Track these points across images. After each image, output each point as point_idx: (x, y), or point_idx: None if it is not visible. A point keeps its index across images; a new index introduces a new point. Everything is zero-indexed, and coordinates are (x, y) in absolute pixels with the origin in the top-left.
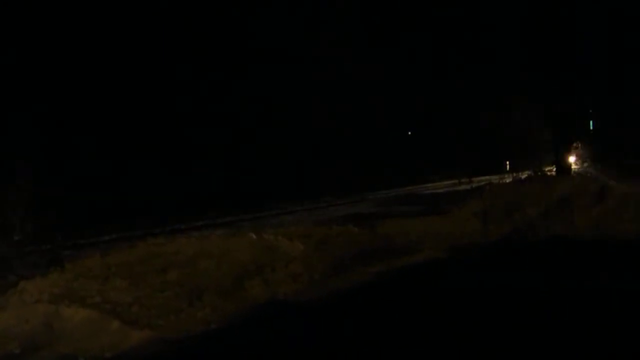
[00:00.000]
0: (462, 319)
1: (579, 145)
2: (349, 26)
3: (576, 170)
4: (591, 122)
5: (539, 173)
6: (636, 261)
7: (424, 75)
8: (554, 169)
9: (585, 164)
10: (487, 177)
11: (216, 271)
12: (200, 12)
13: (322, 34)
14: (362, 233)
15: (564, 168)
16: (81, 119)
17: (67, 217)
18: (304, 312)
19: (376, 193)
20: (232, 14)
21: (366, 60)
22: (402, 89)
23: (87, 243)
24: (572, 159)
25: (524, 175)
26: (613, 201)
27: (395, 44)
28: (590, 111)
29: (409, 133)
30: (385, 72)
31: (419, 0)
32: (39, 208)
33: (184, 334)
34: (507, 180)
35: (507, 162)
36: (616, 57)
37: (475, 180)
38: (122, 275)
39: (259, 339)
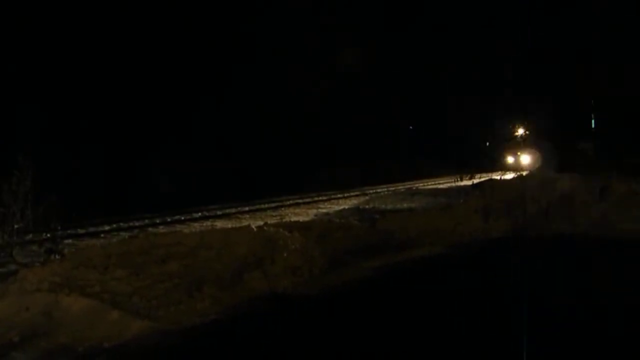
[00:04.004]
0: (459, 316)
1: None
2: (354, 22)
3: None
4: (592, 121)
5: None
6: (636, 260)
7: (424, 71)
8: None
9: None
10: (489, 174)
11: (216, 263)
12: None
13: (322, 32)
14: (362, 227)
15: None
16: (83, 111)
17: (67, 206)
18: (302, 306)
19: (376, 188)
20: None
21: (367, 56)
22: (404, 83)
23: (87, 232)
24: (524, 159)
25: (525, 172)
26: (615, 199)
27: (394, 42)
28: (592, 104)
29: (410, 127)
30: (384, 68)
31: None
32: (39, 197)
33: (184, 325)
34: (509, 177)
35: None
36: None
37: (476, 176)
38: (122, 266)
39: (257, 331)
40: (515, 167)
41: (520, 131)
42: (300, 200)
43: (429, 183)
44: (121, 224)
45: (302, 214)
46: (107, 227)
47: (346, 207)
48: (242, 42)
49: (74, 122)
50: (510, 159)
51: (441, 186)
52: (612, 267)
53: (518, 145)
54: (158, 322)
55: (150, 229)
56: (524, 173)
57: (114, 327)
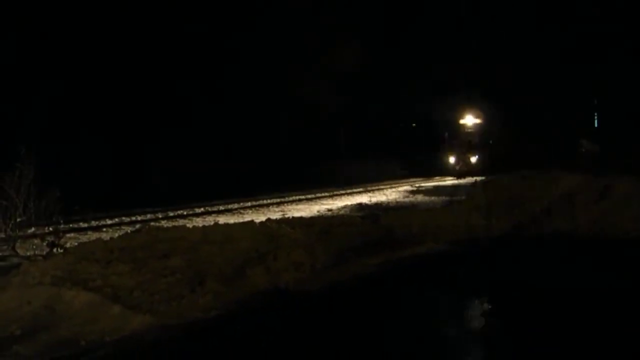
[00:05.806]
0: (458, 313)
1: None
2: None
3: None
4: (595, 120)
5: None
6: (636, 260)
7: (423, 71)
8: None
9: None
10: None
11: (218, 258)
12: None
13: (325, 28)
14: (365, 224)
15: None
16: (87, 106)
17: (70, 200)
18: (305, 302)
19: (379, 185)
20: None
21: (367, 56)
22: (404, 82)
23: (90, 227)
24: (473, 159)
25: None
26: (617, 198)
27: (392, 42)
28: (595, 102)
29: (413, 125)
30: (385, 67)
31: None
32: (42, 191)
33: (185, 320)
34: (510, 175)
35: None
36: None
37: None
38: (124, 260)
39: (259, 326)
40: (459, 171)
41: (469, 120)
42: (302, 197)
43: (432, 180)
44: (124, 218)
45: (304, 210)
46: (109, 222)
47: (349, 203)
48: (242, 41)
49: (78, 117)
50: (452, 159)
51: (443, 184)
52: (611, 265)
53: (465, 141)
54: (159, 317)
55: (152, 223)
56: (477, 178)
57: (115, 321)
